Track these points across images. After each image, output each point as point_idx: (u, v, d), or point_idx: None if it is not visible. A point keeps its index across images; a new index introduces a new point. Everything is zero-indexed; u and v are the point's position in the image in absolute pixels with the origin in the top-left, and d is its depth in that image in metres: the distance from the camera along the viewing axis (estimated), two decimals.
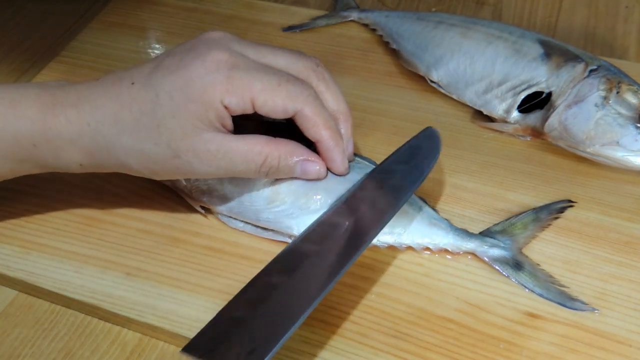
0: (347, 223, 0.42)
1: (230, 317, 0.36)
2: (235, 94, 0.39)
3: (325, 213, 0.43)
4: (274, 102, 0.40)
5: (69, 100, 0.41)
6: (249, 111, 0.41)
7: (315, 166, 0.44)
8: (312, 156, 0.44)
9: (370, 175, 0.45)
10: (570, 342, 0.40)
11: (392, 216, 0.41)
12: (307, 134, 0.43)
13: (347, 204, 0.43)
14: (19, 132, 0.40)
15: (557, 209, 0.47)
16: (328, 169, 0.45)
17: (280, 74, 0.41)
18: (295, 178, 0.45)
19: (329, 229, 0.41)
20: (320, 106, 0.43)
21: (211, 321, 0.36)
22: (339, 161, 0.44)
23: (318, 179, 0.44)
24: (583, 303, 0.42)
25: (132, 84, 0.40)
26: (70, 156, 0.41)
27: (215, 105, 0.39)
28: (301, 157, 0.43)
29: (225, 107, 0.40)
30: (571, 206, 0.47)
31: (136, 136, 0.40)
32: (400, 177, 0.44)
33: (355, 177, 0.45)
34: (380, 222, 0.41)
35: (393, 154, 0.46)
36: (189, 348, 0.35)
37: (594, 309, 0.41)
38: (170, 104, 0.39)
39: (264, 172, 0.42)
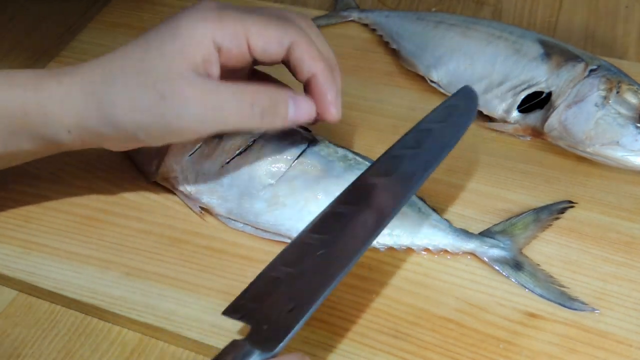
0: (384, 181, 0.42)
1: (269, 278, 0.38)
2: (227, 28, 0.38)
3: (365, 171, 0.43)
4: (268, 32, 0.39)
5: (63, 71, 0.40)
6: (244, 53, 0.39)
7: (307, 103, 0.41)
8: (300, 94, 0.41)
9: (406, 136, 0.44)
10: (570, 342, 0.40)
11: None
12: (302, 69, 0.41)
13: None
14: (10, 100, 0.40)
15: (558, 209, 0.47)
16: (320, 115, 0.42)
17: (270, 13, 0.41)
18: (295, 179, 0.45)
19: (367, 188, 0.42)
20: (312, 41, 0.41)
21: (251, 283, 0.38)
22: (333, 99, 0.41)
23: (309, 120, 0.41)
24: (583, 303, 0.42)
25: (124, 46, 0.40)
26: (59, 121, 0.40)
27: (205, 43, 0.38)
28: (291, 95, 0.41)
29: (218, 49, 0.38)
30: (572, 207, 0.47)
31: (124, 82, 0.38)
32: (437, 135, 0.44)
33: (354, 178, 0.45)
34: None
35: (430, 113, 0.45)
36: (229, 311, 0.37)
37: (593, 309, 0.41)
38: (159, 46, 0.38)
39: (257, 111, 0.39)
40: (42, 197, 0.49)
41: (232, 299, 0.42)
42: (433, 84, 0.58)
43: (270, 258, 0.45)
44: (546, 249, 0.45)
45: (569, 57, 0.52)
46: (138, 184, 0.50)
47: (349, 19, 0.66)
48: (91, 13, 0.70)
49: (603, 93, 0.49)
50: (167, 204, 0.49)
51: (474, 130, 0.55)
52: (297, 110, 0.41)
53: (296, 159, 0.46)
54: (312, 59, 0.40)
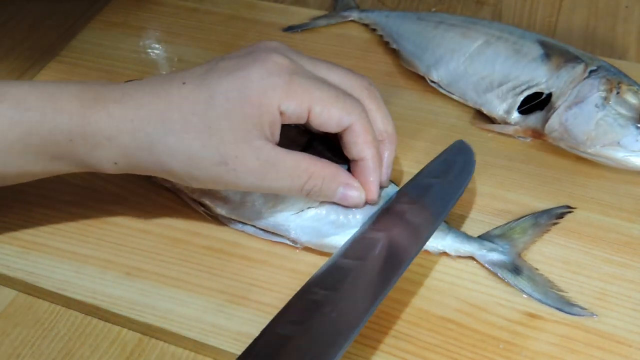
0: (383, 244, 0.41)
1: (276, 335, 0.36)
2: (294, 99, 0.39)
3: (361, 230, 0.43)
4: (330, 112, 0.40)
5: (113, 97, 0.39)
6: (302, 120, 0.40)
7: (355, 192, 0.43)
8: (355, 182, 0.43)
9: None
10: (570, 342, 0.40)
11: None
12: (352, 150, 0.42)
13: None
14: (56, 126, 0.39)
15: (557, 214, 0.47)
16: None
17: (337, 87, 0.41)
18: None
19: (366, 248, 0.41)
20: (370, 124, 0.42)
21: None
22: (374, 185, 0.43)
23: (355, 207, 0.44)
24: (582, 308, 0.41)
25: (184, 83, 0.39)
26: (106, 154, 0.39)
27: (272, 110, 0.38)
28: (344, 181, 0.43)
29: (281, 113, 0.39)
30: (570, 212, 0.47)
31: (184, 136, 0.38)
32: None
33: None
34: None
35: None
36: None
37: (592, 314, 0.41)
38: (226, 105, 0.38)
39: (306, 190, 0.41)
40: (42, 197, 0.49)
41: (232, 299, 0.42)
42: (433, 84, 0.58)
43: (269, 258, 0.45)
44: (546, 250, 0.45)
45: (569, 58, 0.52)
46: (138, 183, 0.50)
47: (349, 19, 0.66)
48: (91, 13, 0.70)
49: (603, 94, 0.49)
50: (167, 204, 0.49)
51: (474, 131, 0.55)
52: (343, 198, 0.43)
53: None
54: (364, 144, 0.42)
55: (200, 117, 0.38)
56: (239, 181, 0.39)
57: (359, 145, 0.42)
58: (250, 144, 0.38)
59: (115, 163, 0.40)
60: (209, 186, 0.41)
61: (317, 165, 0.41)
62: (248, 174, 0.39)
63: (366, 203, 0.44)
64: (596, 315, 0.41)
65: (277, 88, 0.38)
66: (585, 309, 0.41)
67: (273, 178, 0.40)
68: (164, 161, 0.39)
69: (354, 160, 0.43)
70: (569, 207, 0.47)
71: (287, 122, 0.40)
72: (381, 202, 0.45)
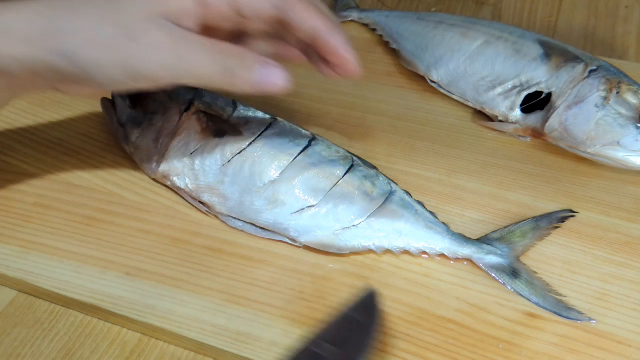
0: None
1: None
2: None
3: None
4: None
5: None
6: (229, 9, 0.38)
7: (277, 69, 0.38)
8: (272, 61, 0.38)
9: None
10: (570, 342, 0.40)
11: None
12: (301, 26, 0.38)
13: None
14: None
15: (558, 218, 0.47)
16: (336, 71, 0.39)
17: None
18: (295, 178, 0.45)
19: None
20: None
21: None
22: (347, 52, 0.38)
23: (281, 89, 0.38)
24: (580, 313, 0.41)
25: None
26: (8, 46, 0.36)
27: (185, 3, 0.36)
28: (261, 59, 0.38)
29: (201, 3, 0.37)
30: (572, 216, 0.47)
31: (89, 13, 0.36)
32: None
33: (356, 181, 0.46)
34: None
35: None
36: None
37: (590, 319, 0.41)
38: None
39: (223, 68, 0.37)
40: (42, 197, 0.49)
41: (232, 299, 0.42)
42: (433, 84, 0.58)
43: (269, 258, 0.45)
44: (546, 249, 0.45)
45: (569, 58, 0.52)
46: (138, 183, 0.50)
47: (349, 19, 0.66)
48: None
49: (603, 94, 0.49)
50: (167, 204, 0.49)
51: (474, 130, 0.55)
52: (266, 74, 0.38)
53: (296, 157, 0.46)
54: (310, 15, 0.38)
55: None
56: (148, 61, 0.36)
57: (305, 19, 0.38)
58: (158, 23, 0.36)
59: (19, 61, 0.36)
60: (118, 76, 0.36)
61: (232, 46, 0.38)
62: (157, 51, 0.36)
63: (349, 74, 0.40)
64: (594, 320, 0.41)
65: None
66: (583, 313, 0.41)
67: (185, 55, 0.36)
68: (67, 43, 0.35)
69: (310, 40, 0.39)
70: (571, 211, 0.47)
71: (214, 16, 0.37)
72: (378, 198, 0.45)
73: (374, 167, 0.48)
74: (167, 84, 0.38)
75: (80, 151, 0.52)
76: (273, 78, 0.38)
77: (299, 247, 0.45)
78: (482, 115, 0.55)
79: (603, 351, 0.40)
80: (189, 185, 0.47)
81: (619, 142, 0.48)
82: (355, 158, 0.48)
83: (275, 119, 0.49)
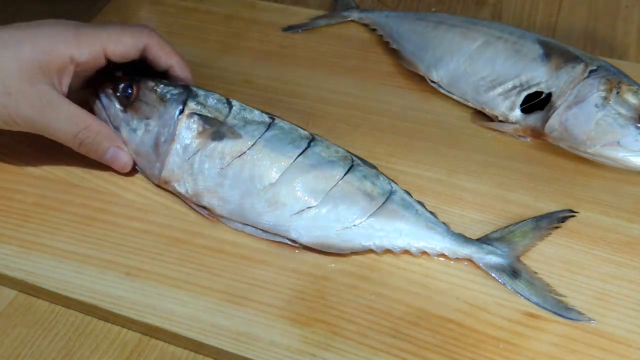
0: None
1: None
2: (85, 45, 0.45)
3: None
4: (124, 42, 0.47)
5: None
6: (101, 62, 0.47)
7: (126, 155, 0.49)
8: (126, 148, 0.49)
9: None
10: (570, 342, 0.40)
11: None
12: (159, 63, 0.49)
13: None
14: None
15: (558, 218, 0.46)
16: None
17: (119, 24, 0.49)
18: (295, 179, 0.45)
19: None
20: (163, 38, 0.49)
21: None
22: (190, 77, 0.51)
23: (123, 170, 0.49)
24: (580, 313, 0.41)
25: None
26: None
27: (63, 58, 0.44)
28: (117, 144, 0.48)
29: (76, 64, 0.45)
30: (573, 216, 0.47)
31: None
32: None
33: (356, 181, 0.46)
34: None
35: None
36: None
37: (590, 319, 0.41)
38: (16, 49, 0.44)
39: (80, 138, 0.46)
40: (42, 196, 0.49)
41: (232, 299, 0.42)
42: (433, 84, 0.58)
43: (269, 258, 0.45)
44: (546, 249, 0.45)
45: (569, 58, 0.52)
46: (138, 183, 0.50)
47: (349, 19, 0.66)
48: (91, 13, 0.70)
49: (603, 94, 0.50)
50: (167, 204, 0.49)
51: (474, 130, 0.55)
52: (113, 158, 0.48)
53: (296, 159, 0.46)
54: (167, 55, 0.49)
55: None
56: (19, 115, 0.44)
57: (162, 57, 0.49)
58: (35, 84, 0.44)
59: None
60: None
61: (96, 121, 0.47)
62: (29, 108, 0.44)
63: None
64: (594, 320, 0.41)
65: (68, 39, 0.44)
66: (583, 313, 0.41)
67: (51, 118, 0.45)
68: None
69: (166, 71, 0.50)
70: (571, 210, 0.47)
71: (87, 69, 0.46)
72: (378, 198, 0.45)
73: (373, 167, 0.48)
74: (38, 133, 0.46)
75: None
76: (120, 161, 0.49)
77: (299, 247, 0.45)
78: (482, 115, 0.55)
79: (603, 351, 0.40)
80: (189, 191, 0.47)
81: (619, 142, 0.48)
82: (354, 158, 0.48)
83: (274, 119, 0.49)
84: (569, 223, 0.47)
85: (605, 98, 0.49)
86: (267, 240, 0.46)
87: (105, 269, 0.44)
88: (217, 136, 0.47)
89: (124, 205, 0.49)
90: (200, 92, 0.49)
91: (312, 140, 0.48)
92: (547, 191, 0.49)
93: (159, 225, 0.47)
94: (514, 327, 0.41)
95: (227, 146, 0.47)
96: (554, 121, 0.50)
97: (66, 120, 0.45)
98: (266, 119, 0.49)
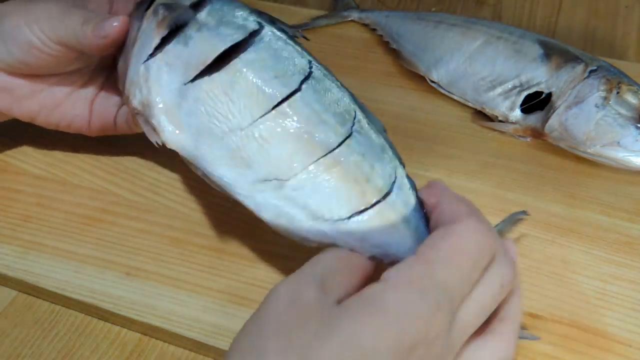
0: None
1: None
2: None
3: None
4: None
5: None
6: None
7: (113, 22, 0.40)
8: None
9: None
10: (570, 342, 0.40)
11: None
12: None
13: None
14: None
15: (514, 220, 0.45)
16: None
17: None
18: (271, 137, 0.36)
19: None
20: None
21: None
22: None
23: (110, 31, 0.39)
24: (523, 329, 0.39)
25: None
26: None
27: None
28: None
29: None
30: (525, 218, 0.45)
31: None
32: None
33: (350, 158, 0.35)
34: None
35: None
36: None
37: (534, 337, 0.39)
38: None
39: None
40: (42, 197, 0.49)
41: (232, 298, 0.42)
42: (433, 84, 0.58)
43: (269, 258, 0.45)
44: (546, 249, 0.45)
45: (569, 58, 0.52)
46: (138, 183, 0.50)
47: (349, 19, 0.66)
48: None
49: (603, 94, 0.50)
50: (167, 204, 0.49)
51: (474, 130, 0.55)
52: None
53: (277, 105, 0.35)
54: None
55: None
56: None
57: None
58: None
59: None
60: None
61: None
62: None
63: None
64: (538, 337, 0.39)
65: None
66: (526, 329, 0.40)
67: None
68: None
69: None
70: (524, 212, 0.45)
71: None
72: (371, 194, 0.35)
73: (382, 131, 0.37)
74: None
75: (80, 151, 0.52)
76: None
77: (299, 247, 0.45)
78: (482, 115, 0.55)
79: (603, 351, 0.40)
80: (141, 102, 0.37)
81: (619, 142, 0.48)
82: (359, 115, 0.36)
83: (262, 26, 0.37)
84: (569, 223, 0.47)
85: (605, 98, 0.49)
86: (267, 240, 0.46)
87: (104, 269, 0.44)
88: (182, 37, 0.37)
89: (124, 205, 0.49)
90: None
91: (307, 77, 0.37)
92: (547, 191, 0.49)
93: (159, 225, 0.47)
94: None
95: (193, 53, 0.36)
96: (554, 121, 0.50)
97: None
98: (251, 23, 0.37)
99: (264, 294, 0.43)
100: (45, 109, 0.47)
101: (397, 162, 0.37)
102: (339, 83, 0.37)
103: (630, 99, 0.49)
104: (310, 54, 0.37)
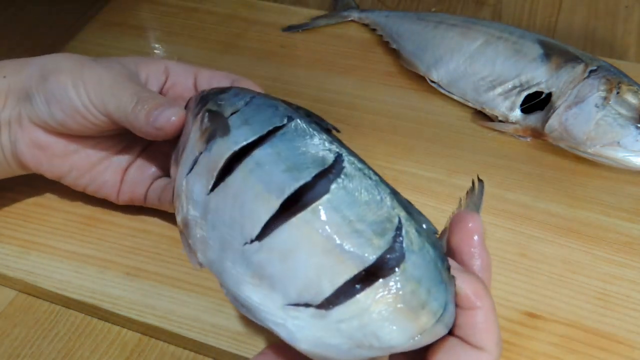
0: None
1: None
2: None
3: None
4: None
5: None
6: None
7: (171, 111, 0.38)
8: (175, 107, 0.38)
9: None
10: (570, 342, 0.40)
11: None
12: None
13: None
14: None
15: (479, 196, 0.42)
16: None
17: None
18: (286, 243, 0.29)
19: None
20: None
21: None
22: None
23: (168, 124, 0.37)
24: None
25: None
26: None
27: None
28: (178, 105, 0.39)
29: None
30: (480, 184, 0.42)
31: None
32: None
33: (396, 286, 0.28)
34: None
35: None
36: None
37: None
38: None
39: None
40: (42, 197, 0.49)
41: None
42: (433, 84, 0.58)
43: None
44: (546, 249, 0.45)
45: (569, 58, 0.52)
46: None
47: (349, 19, 0.66)
48: (91, 13, 0.70)
49: (603, 94, 0.50)
50: None
51: (474, 130, 0.55)
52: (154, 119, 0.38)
53: (297, 205, 0.29)
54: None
55: None
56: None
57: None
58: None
59: None
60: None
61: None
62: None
63: None
64: None
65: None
66: None
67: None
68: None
69: None
70: (480, 181, 0.42)
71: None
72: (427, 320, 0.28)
73: (433, 234, 0.29)
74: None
75: None
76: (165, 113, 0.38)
77: None
78: (482, 115, 0.55)
79: (603, 351, 0.40)
80: (182, 219, 0.33)
81: (619, 142, 0.48)
82: (406, 224, 0.29)
83: (292, 118, 0.31)
84: (569, 223, 0.47)
85: (605, 98, 0.49)
86: None
87: (104, 269, 0.44)
88: (210, 144, 0.32)
89: (124, 205, 0.49)
90: (230, 92, 0.35)
91: (332, 166, 0.29)
92: (547, 191, 0.49)
93: (159, 225, 0.47)
94: (514, 327, 0.41)
95: (211, 158, 0.32)
96: (554, 121, 0.50)
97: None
98: (276, 119, 0.32)
99: None
100: (76, 171, 0.44)
101: (445, 273, 0.29)
102: (378, 178, 0.30)
103: (630, 99, 0.49)
104: (343, 145, 0.31)
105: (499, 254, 0.45)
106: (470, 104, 0.56)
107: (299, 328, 0.28)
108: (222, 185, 0.31)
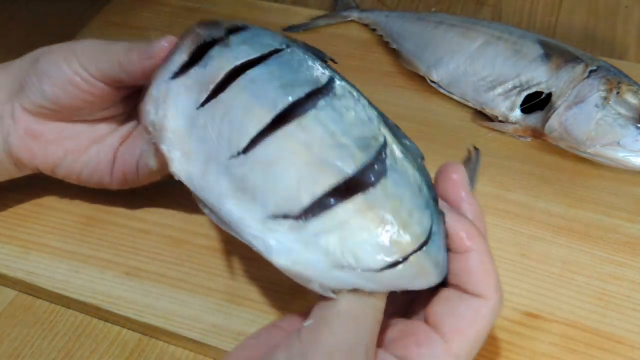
0: None
1: None
2: None
3: None
4: None
5: None
6: None
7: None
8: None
9: None
10: (570, 342, 0.40)
11: None
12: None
13: None
14: None
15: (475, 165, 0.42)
16: None
17: None
18: (278, 160, 0.30)
19: None
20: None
21: None
22: None
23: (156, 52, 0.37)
24: None
25: None
26: None
27: None
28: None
29: None
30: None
31: None
32: None
33: (374, 204, 0.29)
34: None
35: None
36: None
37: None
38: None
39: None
40: (42, 196, 0.49)
41: (232, 299, 0.42)
42: (433, 84, 0.58)
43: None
44: (546, 249, 0.45)
45: (569, 58, 0.52)
46: None
47: (349, 19, 0.66)
48: (91, 13, 0.70)
49: (603, 94, 0.50)
50: (167, 204, 0.49)
51: (474, 131, 0.55)
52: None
53: (285, 119, 0.29)
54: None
55: None
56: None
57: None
58: None
59: None
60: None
61: None
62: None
63: None
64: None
65: None
66: None
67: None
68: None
69: None
70: (476, 149, 0.42)
71: None
72: (407, 245, 0.29)
73: (420, 158, 0.32)
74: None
75: None
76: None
77: None
78: (482, 115, 0.55)
79: (603, 351, 0.40)
80: (154, 122, 0.33)
81: (619, 142, 0.48)
82: (391, 144, 0.31)
83: (288, 45, 0.33)
84: (569, 223, 0.47)
85: (605, 98, 0.49)
86: None
87: (104, 269, 0.44)
88: (205, 59, 0.33)
89: (124, 205, 0.49)
90: (225, 22, 0.35)
91: (322, 91, 0.31)
92: (547, 191, 0.49)
93: (159, 225, 0.47)
94: (514, 327, 0.41)
95: (207, 73, 0.32)
96: (554, 121, 0.50)
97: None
98: (274, 43, 0.33)
99: (264, 294, 0.43)
100: (71, 155, 0.44)
101: (432, 202, 0.30)
102: (367, 102, 0.32)
103: (630, 99, 0.49)
104: (336, 72, 0.33)
105: (499, 254, 0.45)
106: (470, 104, 0.56)
107: (277, 241, 0.29)
108: (213, 101, 0.31)
